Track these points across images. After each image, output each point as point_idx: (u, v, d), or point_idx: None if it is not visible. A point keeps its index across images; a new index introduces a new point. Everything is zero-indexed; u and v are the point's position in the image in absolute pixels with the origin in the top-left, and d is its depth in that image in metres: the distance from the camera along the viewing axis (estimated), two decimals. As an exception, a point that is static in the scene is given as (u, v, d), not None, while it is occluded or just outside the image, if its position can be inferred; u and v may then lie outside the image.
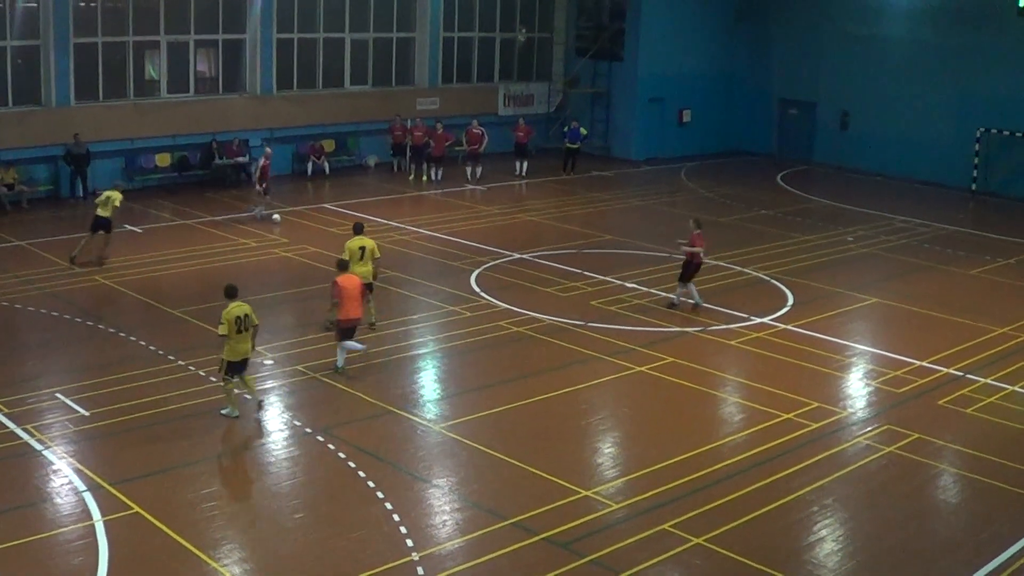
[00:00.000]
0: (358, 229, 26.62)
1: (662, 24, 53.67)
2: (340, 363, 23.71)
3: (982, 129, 48.82)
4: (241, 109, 44.50)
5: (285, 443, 20.62)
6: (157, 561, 16.23)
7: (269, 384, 23.15)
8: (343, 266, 24.48)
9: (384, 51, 49.47)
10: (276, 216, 37.57)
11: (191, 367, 23.58)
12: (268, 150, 39.07)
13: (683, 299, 29.66)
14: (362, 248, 25.93)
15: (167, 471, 19.09)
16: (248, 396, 21.77)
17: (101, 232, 31.62)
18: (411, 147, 46.59)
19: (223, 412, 21.38)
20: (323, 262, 32.20)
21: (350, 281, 23.63)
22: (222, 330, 20.83)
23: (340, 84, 48.11)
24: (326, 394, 22.83)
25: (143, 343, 25.22)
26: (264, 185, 37.70)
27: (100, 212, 31.37)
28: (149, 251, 33.39)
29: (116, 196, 31.57)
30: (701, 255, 29.55)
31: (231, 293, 21.35)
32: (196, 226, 36.31)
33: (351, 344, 23.84)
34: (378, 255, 26.49)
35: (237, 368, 21.29)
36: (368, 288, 25.09)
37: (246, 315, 21.08)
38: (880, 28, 52.58)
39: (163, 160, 42.85)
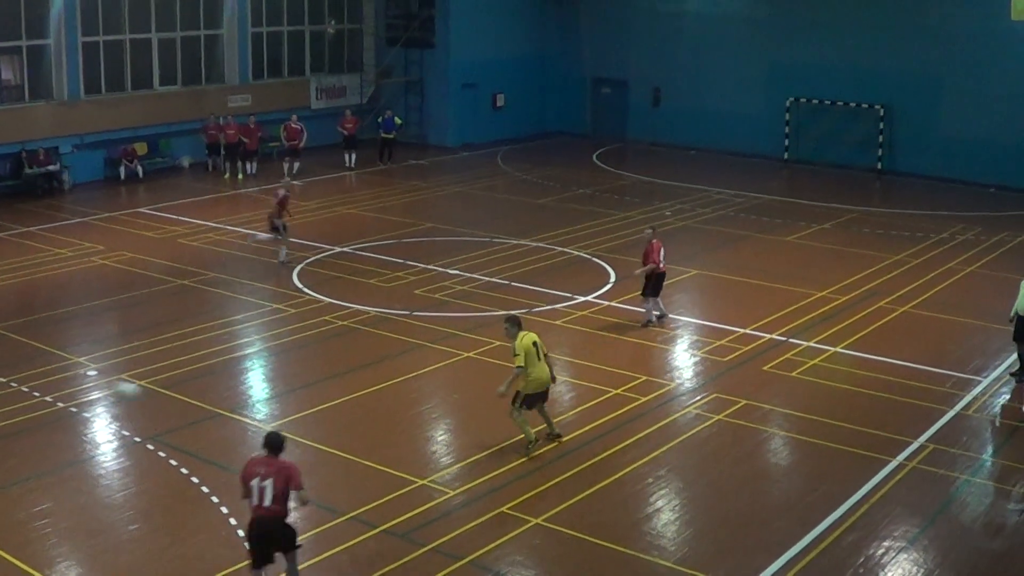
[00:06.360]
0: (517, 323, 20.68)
1: (472, 10, 53.74)
2: None
3: (791, 99, 49.94)
4: (49, 116, 43.39)
5: (115, 454, 20.24)
6: (-11, 584, 15.87)
7: (95, 395, 22.70)
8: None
9: (192, 49, 48.64)
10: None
11: (13, 383, 23.03)
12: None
13: (655, 314, 27.44)
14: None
15: (-6, 491, 18.68)
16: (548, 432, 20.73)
17: None
18: (225, 145, 45.98)
19: (527, 447, 20.06)
20: (141, 268, 31.72)
21: None
22: (518, 361, 19.70)
23: (149, 85, 47.15)
24: (153, 402, 22.41)
25: (-39, 361, 24.55)
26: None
27: None
28: (-39, 267, 32.45)
29: None
30: (661, 264, 27.22)
31: (518, 322, 20.24)
32: (9, 239, 35.34)
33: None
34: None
35: (536, 400, 20.20)
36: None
37: (535, 342, 19.88)
38: (688, 4, 53.45)
39: (-29, 173, 41.74)
